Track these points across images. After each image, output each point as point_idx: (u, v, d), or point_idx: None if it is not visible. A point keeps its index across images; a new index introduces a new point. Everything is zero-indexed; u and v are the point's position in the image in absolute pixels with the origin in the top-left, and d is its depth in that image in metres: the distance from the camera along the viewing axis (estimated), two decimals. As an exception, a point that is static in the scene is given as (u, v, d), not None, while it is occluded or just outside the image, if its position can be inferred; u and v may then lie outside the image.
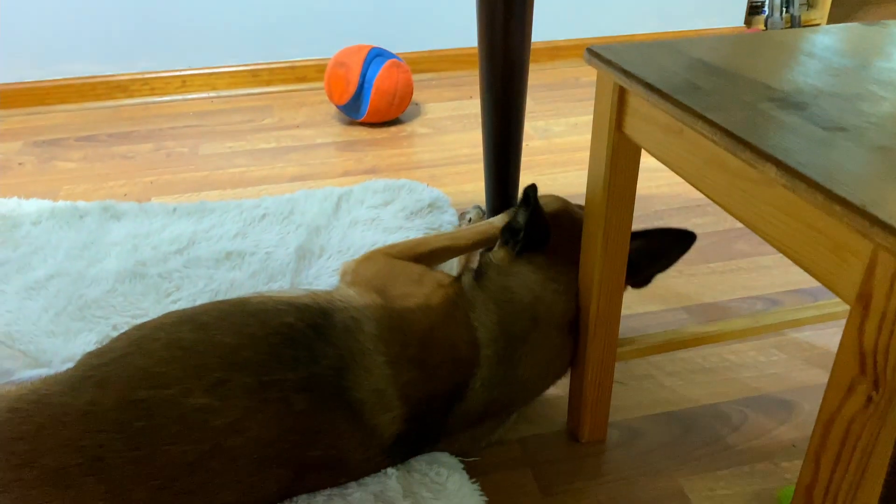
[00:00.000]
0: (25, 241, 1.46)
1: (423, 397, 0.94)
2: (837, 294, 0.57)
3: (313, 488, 0.92)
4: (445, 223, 1.52)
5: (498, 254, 1.07)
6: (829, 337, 1.30)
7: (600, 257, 0.95)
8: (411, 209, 1.54)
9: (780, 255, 1.52)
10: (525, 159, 1.35)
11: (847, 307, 1.05)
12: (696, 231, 1.08)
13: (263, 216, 1.54)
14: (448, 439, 1.01)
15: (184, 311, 0.96)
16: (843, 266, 0.55)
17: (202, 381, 0.86)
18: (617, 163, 0.89)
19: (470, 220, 1.50)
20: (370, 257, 1.17)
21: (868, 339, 0.52)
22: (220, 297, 1.24)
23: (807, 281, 1.44)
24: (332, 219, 1.53)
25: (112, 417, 0.83)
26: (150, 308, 1.24)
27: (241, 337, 0.90)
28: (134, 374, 0.86)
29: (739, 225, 1.63)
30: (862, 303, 0.53)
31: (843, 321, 1.07)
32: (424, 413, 0.95)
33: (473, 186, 1.80)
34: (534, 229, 1.03)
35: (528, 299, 1.01)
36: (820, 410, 0.59)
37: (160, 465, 0.83)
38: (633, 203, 0.93)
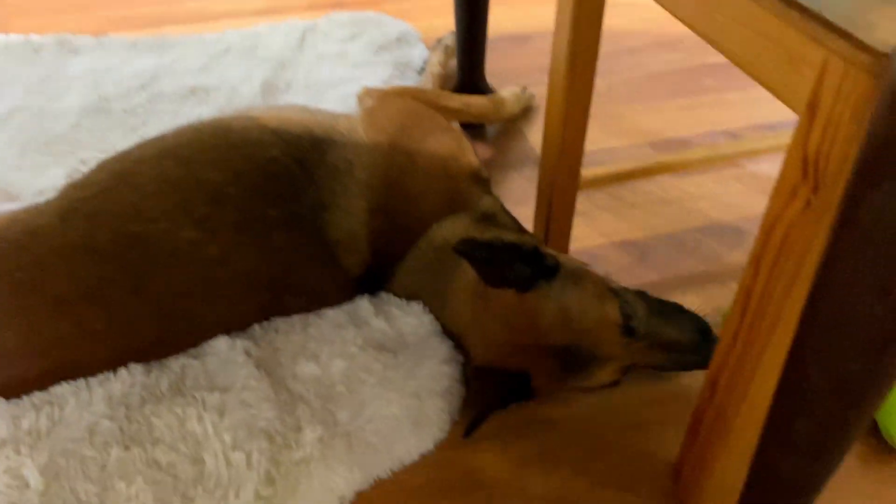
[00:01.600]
0: (-22, 77, 1.41)
1: (384, 251, 0.97)
2: (789, 104, 0.59)
3: (291, 311, 0.97)
4: (415, 58, 1.49)
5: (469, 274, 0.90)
6: (786, 169, 1.34)
7: (564, 82, 0.95)
8: (379, 43, 1.51)
9: (745, 90, 1.54)
10: (496, -10, 1.32)
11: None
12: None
13: (227, 51, 1.50)
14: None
15: (163, 141, 0.96)
16: (797, 76, 0.56)
17: (190, 217, 0.88)
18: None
19: (446, 46, 1.47)
20: (401, 93, 1.15)
21: (812, 146, 0.55)
22: (188, 132, 1.23)
23: (769, 115, 1.47)
24: (298, 53, 1.50)
25: (109, 250, 0.86)
26: (118, 142, 1.22)
27: (225, 173, 0.91)
28: (124, 208, 0.88)
29: (709, 61, 1.63)
30: (810, 111, 0.55)
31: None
32: (379, 266, 0.98)
33: (444, 21, 1.73)
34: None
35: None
36: (764, 217, 0.63)
37: (155, 293, 0.87)
38: (600, 29, 0.93)
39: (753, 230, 1.25)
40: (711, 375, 0.76)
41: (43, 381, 0.86)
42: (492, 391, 0.89)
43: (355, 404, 0.87)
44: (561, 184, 1.06)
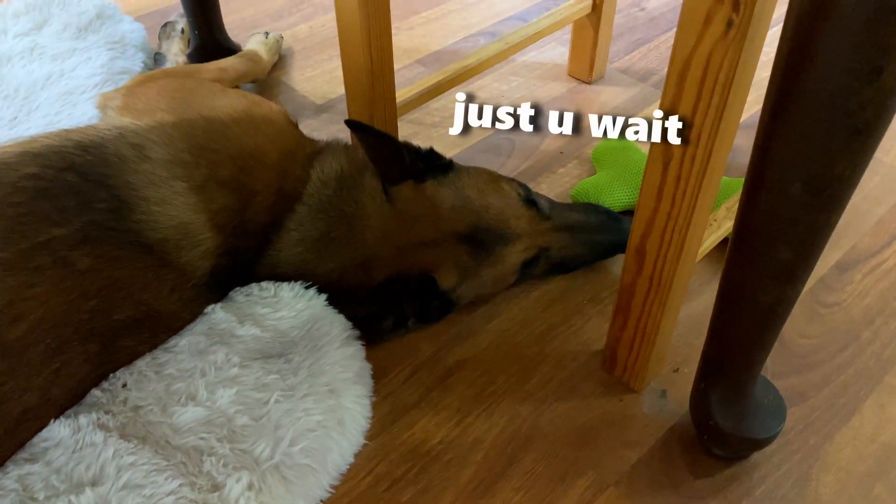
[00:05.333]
0: None
1: (239, 226, 0.81)
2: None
3: (131, 357, 0.76)
4: (128, 33, 1.24)
5: (372, 182, 0.85)
6: (549, 51, 1.36)
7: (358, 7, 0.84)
8: (77, 25, 1.23)
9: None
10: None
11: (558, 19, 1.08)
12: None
13: None
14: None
15: None
16: None
17: None
18: None
19: (182, 30, 1.25)
20: (147, 79, 0.99)
21: (725, -39, 0.52)
22: None
23: (513, 8, 1.48)
24: (-27, 62, 1.17)
25: None
26: None
27: None
28: None
29: (434, -30, 1.60)
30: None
31: (559, 33, 1.14)
32: (239, 244, 0.82)
33: (135, -10, 1.49)
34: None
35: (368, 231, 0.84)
36: (671, 62, 0.60)
37: None
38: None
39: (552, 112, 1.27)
40: (635, 246, 0.73)
41: None
42: (397, 302, 0.85)
43: (269, 430, 0.71)
44: (380, 115, 0.96)
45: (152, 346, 0.77)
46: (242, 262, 0.83)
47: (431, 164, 0.88)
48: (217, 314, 0.80)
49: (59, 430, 0.69)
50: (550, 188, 1.10)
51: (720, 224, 0.83)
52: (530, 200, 0.87)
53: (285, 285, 0.83)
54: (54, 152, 0.75)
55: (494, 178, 0.89)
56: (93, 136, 0.78)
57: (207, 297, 0.81)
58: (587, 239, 0.89)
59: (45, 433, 0.69)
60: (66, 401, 0.71)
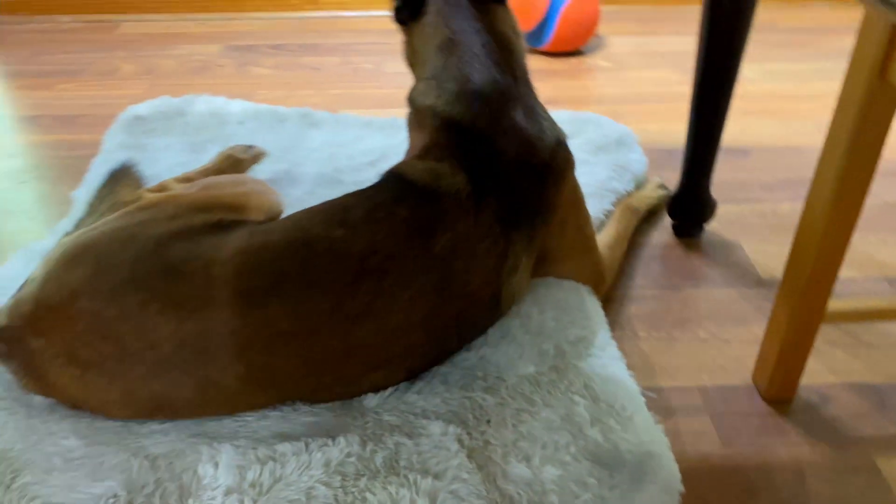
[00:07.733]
0: (233, 139, 1.55)
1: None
2: None
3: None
4: (633, 162, 1.48)
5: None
6: None
7: (830, 204, 0.89)
8: (597, 143, 1.51)
9: None
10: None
11: None
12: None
13: (450, 137, 1.56)
14: None
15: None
16: None
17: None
18: (870, 114, 0.83)
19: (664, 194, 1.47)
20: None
21: None
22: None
23: None
24: (517, 146, 1.53)
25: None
26: (349, 213, 1.30)
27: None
28: None
29: (955, 197, 1.50)
30: None
31: None
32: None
33: (658, 127, 1.73)
34: None
35: None
36: None
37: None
38: (877, 160, 0.87)
39: None
40: None
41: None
42: None
43: (568, 518, 0.83)
44: (802, 315, 0.99)
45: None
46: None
47: None
48: (578, 407, 0.94)
49: (435, 427, 0.91)
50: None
51: None
52: None
53: (641, 413, 0.94)
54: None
55: None
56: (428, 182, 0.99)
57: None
58: None
59: (427, 424, 0.92)
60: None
